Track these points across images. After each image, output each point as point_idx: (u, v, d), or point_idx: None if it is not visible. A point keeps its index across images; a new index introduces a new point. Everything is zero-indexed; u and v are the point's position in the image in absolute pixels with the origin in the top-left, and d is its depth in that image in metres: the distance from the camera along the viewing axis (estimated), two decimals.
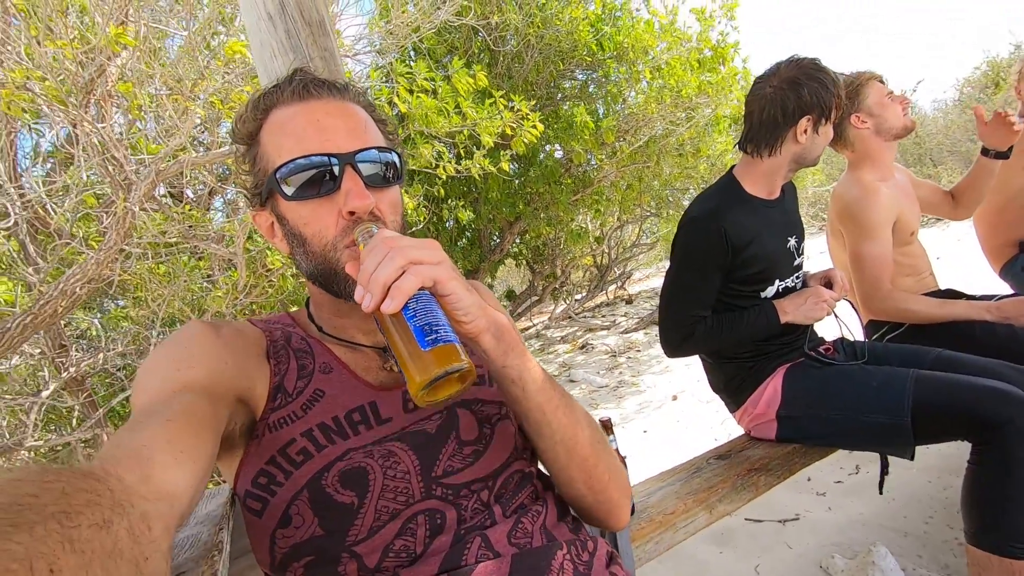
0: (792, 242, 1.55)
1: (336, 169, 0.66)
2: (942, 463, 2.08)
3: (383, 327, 0.56)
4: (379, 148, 0.70)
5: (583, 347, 6.17)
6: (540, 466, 0.82)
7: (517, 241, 6.94)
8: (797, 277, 1.58)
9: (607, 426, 1.38)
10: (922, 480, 2.03)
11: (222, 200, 3.70)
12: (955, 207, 2.09)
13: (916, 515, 1.85)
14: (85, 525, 0.33)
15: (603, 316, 7.60)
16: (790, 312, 1.45)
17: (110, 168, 2.09)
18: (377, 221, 0.67)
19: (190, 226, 2.30)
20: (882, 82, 1.80)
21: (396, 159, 0.72)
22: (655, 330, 6.25)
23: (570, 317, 7.35)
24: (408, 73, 3.51)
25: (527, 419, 0.68)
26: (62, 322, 2.63)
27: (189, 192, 3.82)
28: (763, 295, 1.51)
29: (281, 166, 0.66)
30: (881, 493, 1.54)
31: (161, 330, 2.44)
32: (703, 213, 1.46)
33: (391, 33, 3.82)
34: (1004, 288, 2.22)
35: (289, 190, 0.67)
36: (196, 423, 0.54)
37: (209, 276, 2.85)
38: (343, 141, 0.67)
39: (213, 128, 2.64)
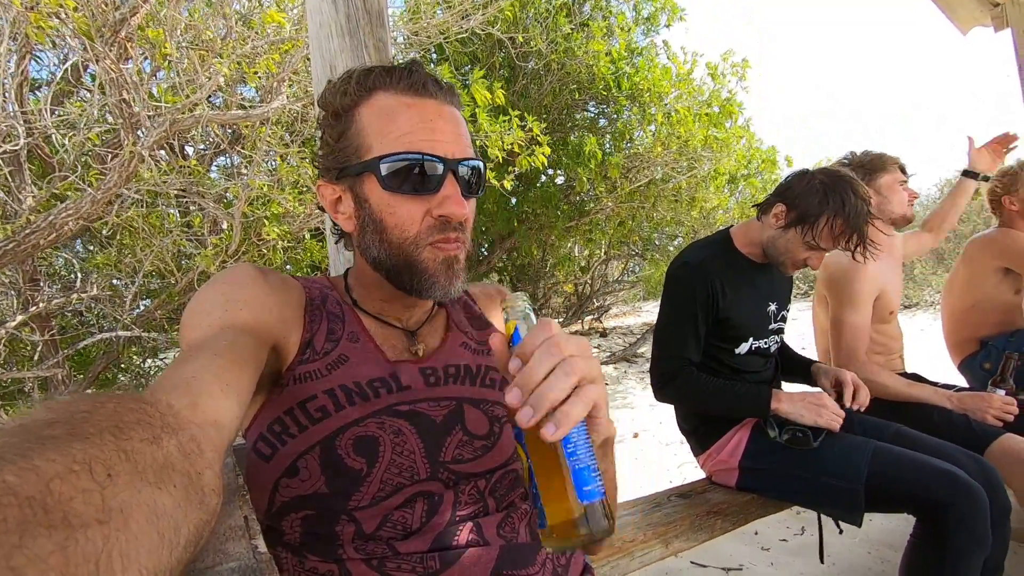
0: (772, 307, 1.61)
1: (440, 172, 0.68)
2: (883, 537, 2.16)
3: (529, 444, 0.51)
4: (475, 159, 0.72)
5: None
6: None
7: (504, 257, 7.00)
8: (775, 341, 1.64)
9: None
10: (862, 551, 2.10)
11: (226, 161, 3.66)
12: (933, 235, 2.26)
13: None
14: (136, 439, 0.34)
15: None
16: (784, 403, 1.45)
17: (124, 109, 2.07)
18: (462, 229, 0.71)
19: (192, 182, 2.28)
20: (902, 171, 1.90)
21: (483, 171, 0.75)
22: (625, 366, 6.33)
23: None
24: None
25: None
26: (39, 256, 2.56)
27: (189, 149, 3.78)
28: (737, 351, 1.56)
29: (389, 155, 0.67)
30: (822, 562, 1.60)
31: (143, 281, 2.40)
32: (694, 261, 1.53)
33: (416, 34, 3.88)
34: (961, 380, 2.35)
35: (387, 178, 0.68)
36: (241, 359, 0.56)
37: (198, 235, 2.81)
38: (450, 147, 0.69)
39: (231, 89, 2.63)
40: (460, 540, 0.67)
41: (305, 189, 2.69)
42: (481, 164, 0.74)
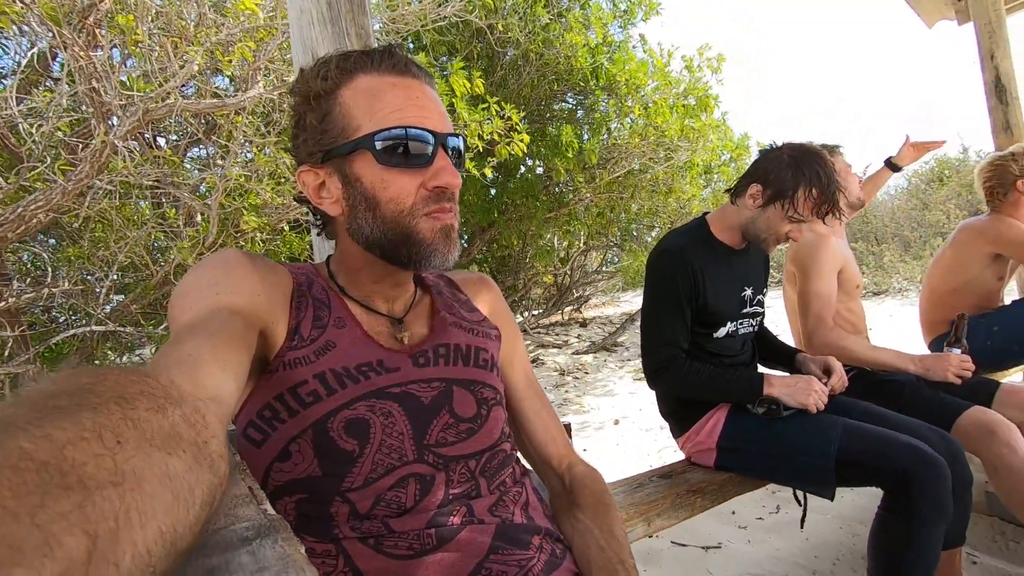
0: (748, 292, 1.66)
1: (431, 146, 0.71)
2: (854, 513, 2.24)
3: None
4: (458, 136, 0.75)
5: (533, 361, 6.26)
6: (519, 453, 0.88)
7: (484, 249, 7.00)
8: (751, 324, 1.70)
9: (567, 430, 1.44)
10: (834, 526, 2.18)
11: (200, 151, 3.59)
12: (848, 211, 2.40)
13: (825, 556, 2.00)
14: (142, 408, 0.35)
15: (556, 334, 7.73)
16: (776, 388, 1.50)
17: (94, 98, 2.02)
18: (454, 200, 0.74)
19: (167, 173, 2.24)
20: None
21: (463, 150, 0.78)
22: (605, 355, 6.41)
23: (524, 331, 7.44)
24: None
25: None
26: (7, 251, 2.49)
27: (161, 140, 3.70)
28: (715, 336, 1.61)
29: (383, 130, 0.69)
30: (802, 528, 1.66)
31: (117, 274, 2.35)
32: (673, 248, 1.57)
33: (394, 20, 3.84)
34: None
35: (382, 153, 0.69)
36: (235, 340, 0.56)
37: (173, 227, 2.76)
38: (438, 122, 0.72)
39: (205, 78, 2.58)
40: (455, 519, 0.68)
41: (283, 180, 2.65)
42: (462, 142, 0.76)
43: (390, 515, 0.66)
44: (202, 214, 2.61)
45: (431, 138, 0.70)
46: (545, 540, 0.74)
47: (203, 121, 3.10)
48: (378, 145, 0.69)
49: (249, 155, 2.90)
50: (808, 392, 1.48)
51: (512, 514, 0.73)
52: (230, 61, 2.31)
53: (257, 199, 2.52)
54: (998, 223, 2.33)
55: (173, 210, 2.72)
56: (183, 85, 3.27)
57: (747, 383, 1.52)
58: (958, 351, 1.76)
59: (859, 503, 2.29)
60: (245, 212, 2.45)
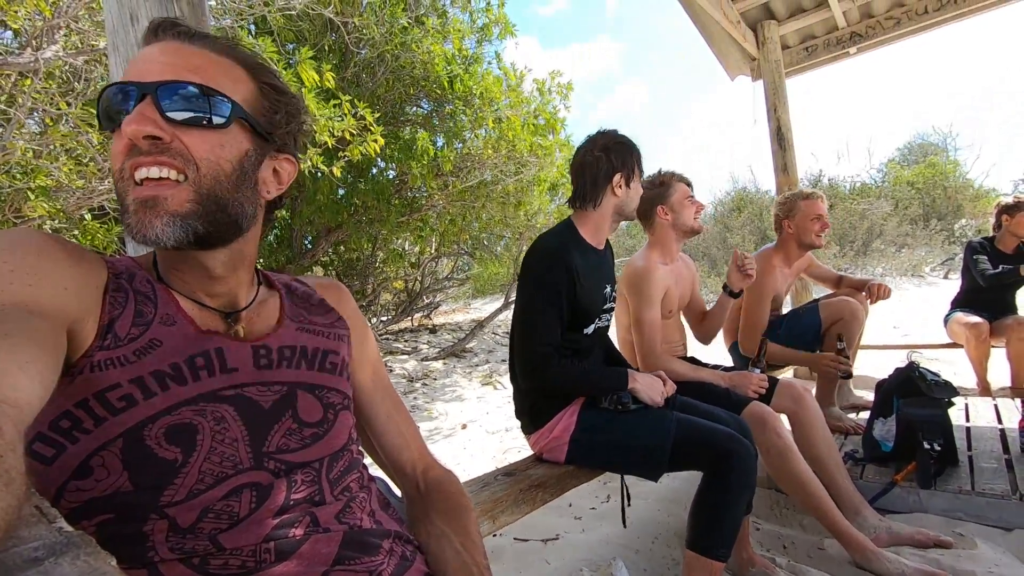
0: (608, 289, 1.83)
1: (132, 98, 0.61)
2: (670, 495, 2.54)
3: None
4: (201, 86, 0.63)
5: None
6: (367, 459, 0.85)
7: (330, 251, 6.67)
8: (608, 319, 1.87)
9: None
10: (654, 510, 2.45)
11: None
12: (699, 326, 2.50)
13: (646, 536, 2.23)
14: None
15: (406, 341, 7.60)
16: (639, 383, 1.69)
17: None
18: (161, 152, 0.62)
19: None
20: (688, 185, 2.22)
21: (225, 102, 0.64)
22: (454, 361, 6.46)
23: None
24: (252, 46, 3.26)
25: None
26: None
27: None
28: (585, 332, 1.73)
29: (98, 97, 0.64)
30: (625, 526, 1.85)
31: None
32: (552, 247, 1.67)
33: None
34: (728, 360, 2.89)
35: (103, 121, 0.64)
36: (38, 341, 0.48)
37: None
38: (156, 73, 0.62)
39: None
40: (297, 530, 0.63)
41: (87, 159, 2.24)
42: (219, 96, 0.64)
43: (219, 528, 0.59)
44: None
45: (132, 91, 0.61)
46: (395, 543, 0.72)
47: None
48: (99, 113, 0.64)
49: (38, 127, 2.43)
50: (659, 391, 1.73)
51: (360, 520, 0.70)
52: (16, 12, 1.92)
53: (48, 180, 2.11)
54: (758, 258, 2.86)
55: None
56: None
57: (615, 378, 1.70)
58: (758, 371, 2.10)
59: (674, 486, 2.60)
60: (32, 195, 2.03)
